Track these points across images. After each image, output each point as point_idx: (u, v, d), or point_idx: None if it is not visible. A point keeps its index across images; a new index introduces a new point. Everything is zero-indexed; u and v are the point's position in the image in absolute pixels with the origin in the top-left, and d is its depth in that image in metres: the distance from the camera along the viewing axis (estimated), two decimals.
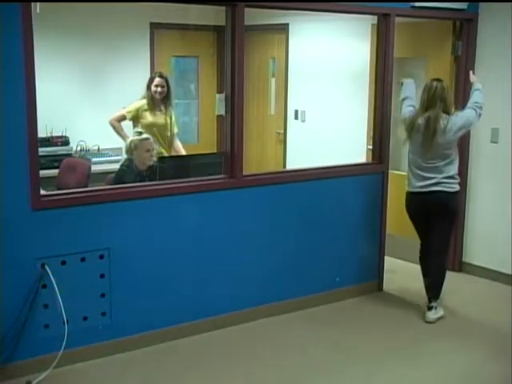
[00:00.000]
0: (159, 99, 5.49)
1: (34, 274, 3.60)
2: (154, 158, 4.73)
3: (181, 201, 4.09)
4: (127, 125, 5.55)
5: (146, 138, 4.76)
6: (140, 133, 4.86)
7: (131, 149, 4.73)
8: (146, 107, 5.46)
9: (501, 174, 5.25)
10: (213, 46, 7.46)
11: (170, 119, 5.60)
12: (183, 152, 5.66)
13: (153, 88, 5.45)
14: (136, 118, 5.47)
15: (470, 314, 4.72)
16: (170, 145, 5.62)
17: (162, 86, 5.48)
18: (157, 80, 5.47)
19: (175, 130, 5.69)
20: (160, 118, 5.51)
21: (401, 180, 5.72)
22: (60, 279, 3.66)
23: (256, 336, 4.29)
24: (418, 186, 4.48)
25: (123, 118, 5.53)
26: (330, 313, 4.69)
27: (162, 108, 5.53)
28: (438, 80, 4.45)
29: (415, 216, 4.63)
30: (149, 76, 5.68)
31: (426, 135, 4.36)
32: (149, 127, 5.35)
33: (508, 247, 5.22)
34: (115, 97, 6.52)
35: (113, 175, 4.83)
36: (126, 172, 4.68)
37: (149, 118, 5.46)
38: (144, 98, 5.49)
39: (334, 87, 6.58)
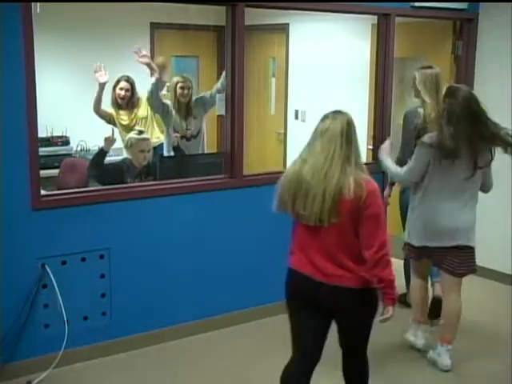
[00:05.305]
0: (124, 102, 5.47)
1: (34, 273, 3.60)
2: (149, 159, 4.71)
3: (181, 201, 4.09)
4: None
5: (144, 139, 4.68)
6: (140, 132, 4.83)
7: (127, 146, 4.71)
8: (114, 113, 5.50)
9: (501, 174, 5.23)
10: (213, 46, 7.46)
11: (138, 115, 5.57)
12: None
13: (117, 91, 5.45)
14: (112, 122, 5.50)
15: (469, 313, 4.70)
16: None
17: (126, 90, 5.45)
18: (122, 83, 5.44)
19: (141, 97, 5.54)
20: (124, 118, 5.51)
21: None
22: (60, 279, 3.67)
23: (256, 336, 4.29)
24: None
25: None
26: None
27: (128, 108, 5.52)
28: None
29: None
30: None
31: None
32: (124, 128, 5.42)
33: (508, 247, 5.22)
34: None
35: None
36: (122, 168, 4.64)
37: (118, 120, 5.49)
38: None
39: (335, 87, 6.57)
